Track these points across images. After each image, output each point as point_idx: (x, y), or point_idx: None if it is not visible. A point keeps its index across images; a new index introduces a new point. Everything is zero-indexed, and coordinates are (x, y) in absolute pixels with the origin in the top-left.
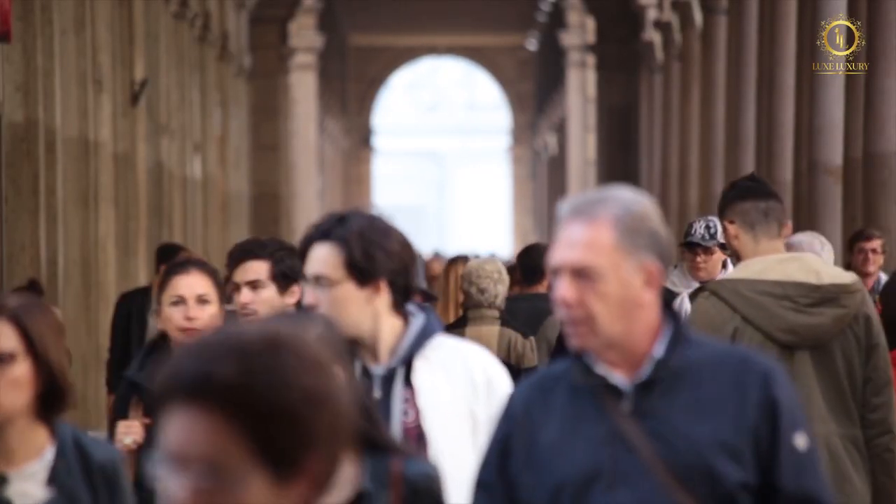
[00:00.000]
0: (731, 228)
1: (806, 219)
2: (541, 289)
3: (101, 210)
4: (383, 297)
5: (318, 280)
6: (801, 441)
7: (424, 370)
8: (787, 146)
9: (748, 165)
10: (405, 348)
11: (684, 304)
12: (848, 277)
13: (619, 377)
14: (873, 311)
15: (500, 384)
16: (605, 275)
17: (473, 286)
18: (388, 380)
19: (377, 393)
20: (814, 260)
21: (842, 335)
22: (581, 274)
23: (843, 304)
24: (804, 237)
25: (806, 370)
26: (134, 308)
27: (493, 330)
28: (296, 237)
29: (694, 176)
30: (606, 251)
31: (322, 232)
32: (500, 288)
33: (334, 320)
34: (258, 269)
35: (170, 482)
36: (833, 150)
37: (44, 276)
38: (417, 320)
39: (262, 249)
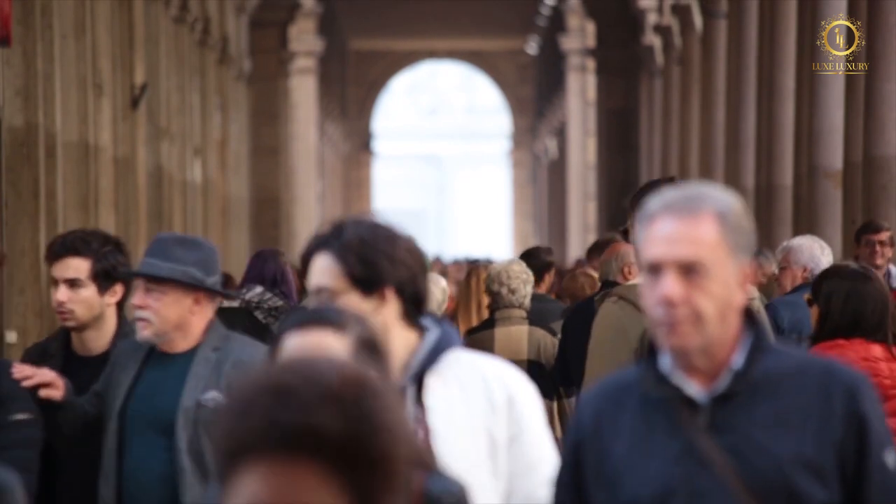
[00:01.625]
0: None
1: (806, 222)
2: (539, 290)
3: (102, 214)
4: (391, 307)
5: (321, 292)
6: (891, 459)
7: (438, 387)
8: (787, 150)
9: (748, 169)
10: (417, 364)
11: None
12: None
13: (695, 388)
14: (766, 320)
15: (524, 400)
16: (713, 271)
17: (504, 287)
18: None
19: None
20: None
21: None
22: (688, 270)
23: None
24: (804, 240)
25: None
26: None
27: (523, 330)
28: (296, 241)
29: (694, 179)
30: (713, 247)
31: (320, 242)
32: (528, 288)
33: (366, 317)
34: (78, 266)
35: None
36: (833, 154)
37: (44, 281)
38: (432, 334)
39: (85, 246)
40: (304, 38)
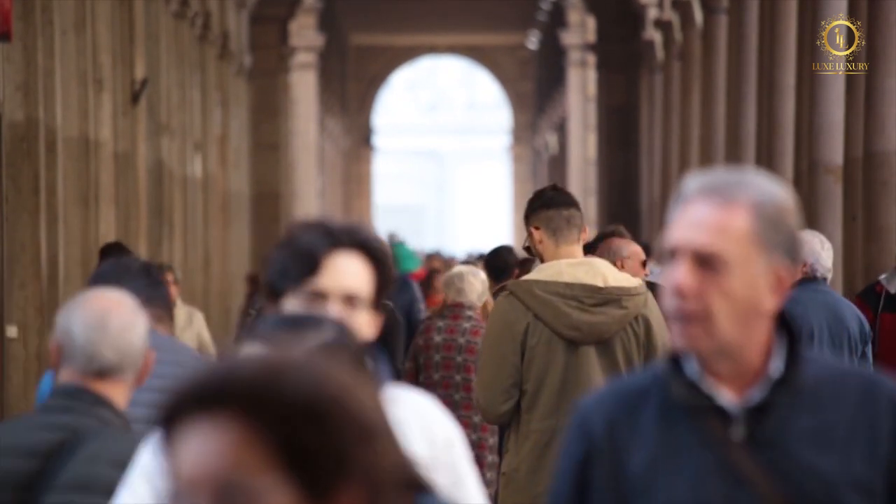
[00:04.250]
0: (537, 234)
1: (806, 218)
2: None
3: (102, 209)
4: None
5: (351, 300)
6: None
7: None
8: (787, 146)
9: (749, 165)
10: None
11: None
12: (632, 282)
13: (727, 398)
14: (655, 315)
15: (461, 446)
16: (734, 267)
17: None
18: None
19: None
20: (602, 265)
21: (623, 332)
22: (705, 261)
23: (623, 306)
24: (804, 235)
25: (590, 363)
26: None
27: None
28: None
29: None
30: (740, 240)
31: (349, 239)
32: None
33: (347, 325)
34: None
35: None
36: (833, 150)
37: (44, 275)
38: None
39: None
40: (305, 34)
